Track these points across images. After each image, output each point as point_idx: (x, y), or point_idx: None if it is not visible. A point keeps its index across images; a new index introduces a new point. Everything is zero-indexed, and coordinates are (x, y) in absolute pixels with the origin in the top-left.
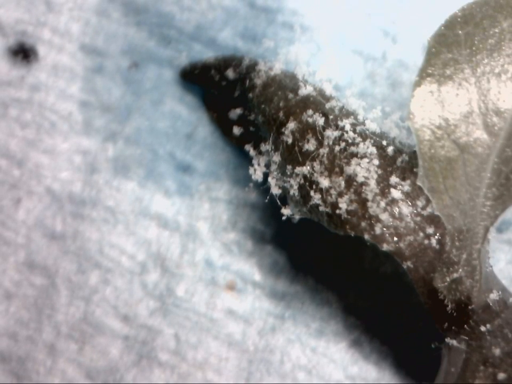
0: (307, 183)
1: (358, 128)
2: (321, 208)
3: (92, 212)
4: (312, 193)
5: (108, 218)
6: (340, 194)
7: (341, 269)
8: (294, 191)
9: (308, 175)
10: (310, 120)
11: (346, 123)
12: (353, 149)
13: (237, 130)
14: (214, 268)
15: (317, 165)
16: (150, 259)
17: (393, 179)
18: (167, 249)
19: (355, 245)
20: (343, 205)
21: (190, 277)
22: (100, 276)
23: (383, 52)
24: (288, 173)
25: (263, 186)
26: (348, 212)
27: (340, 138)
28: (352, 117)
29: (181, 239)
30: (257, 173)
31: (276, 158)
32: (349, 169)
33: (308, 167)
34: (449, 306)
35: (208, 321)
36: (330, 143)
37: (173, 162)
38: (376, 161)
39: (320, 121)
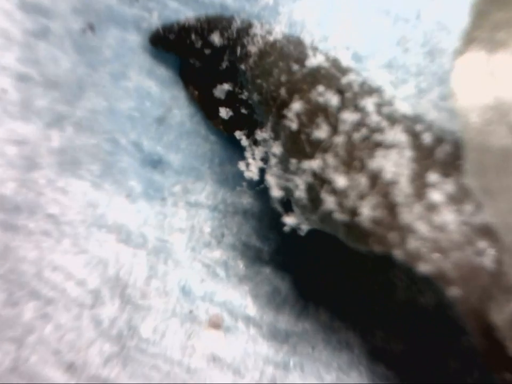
0: (317, 182)
1: (385, 110)
2: (336, 215)
3: (29, 222)
4: (324, 195)
5: (49, 231)
6: (361, 197)
7: (365, 299)
8: (300, 192)
9: (318, 171)
10: (320, 99)
11: (369, 103)
12: (378, 136)
13: (224, 112)
14: (193, 298)
15: (330, 158)
16: (106, 286)
17: (432, 176)
18: (129, 273)
19: (382, 266)
20: (364, 210)
21: (160, 310)
22: (36, 309)
23: (417, 11)
24: (292, 169)
25: (259, 187)
26: (371, 220)
27: (360, 123)
28: (376, 95)
29: (148, 258)
30: (251, 168)
31: (276, 149)
32: (372, 164)
33: (318, 161)
34: (511, 348)
35: (184, 372)
36: (348, 129)
37: (138, 155)
38: (408, 153)
39: (334, 100)
